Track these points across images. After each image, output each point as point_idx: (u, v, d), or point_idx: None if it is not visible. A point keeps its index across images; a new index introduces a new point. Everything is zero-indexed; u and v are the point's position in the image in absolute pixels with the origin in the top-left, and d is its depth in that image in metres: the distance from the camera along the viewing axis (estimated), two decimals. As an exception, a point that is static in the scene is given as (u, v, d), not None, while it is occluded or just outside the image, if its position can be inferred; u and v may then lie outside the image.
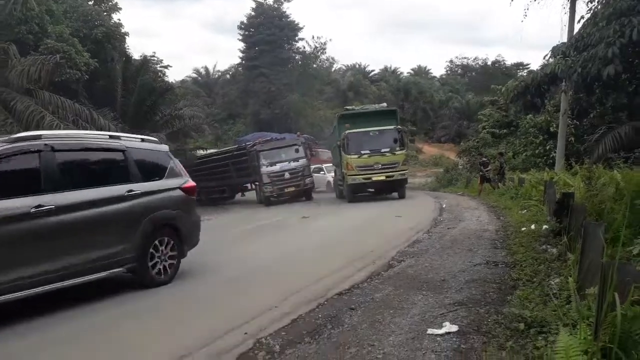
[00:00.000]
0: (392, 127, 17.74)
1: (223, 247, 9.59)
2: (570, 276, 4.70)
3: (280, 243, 9.78)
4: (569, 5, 16.91)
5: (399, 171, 17.51)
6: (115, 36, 20.89)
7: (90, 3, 22.51)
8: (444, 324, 4.26)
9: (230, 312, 5.04)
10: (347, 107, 21.71)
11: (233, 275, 6.77)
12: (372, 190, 18.85)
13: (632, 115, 12.81)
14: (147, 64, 20.77)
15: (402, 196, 18.18)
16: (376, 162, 17.38)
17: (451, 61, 64.03)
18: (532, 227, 8.77)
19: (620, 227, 5.29)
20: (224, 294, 5.94)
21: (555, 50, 14.97)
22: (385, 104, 21.74)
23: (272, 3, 44.01)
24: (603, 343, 2.72)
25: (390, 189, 18.54)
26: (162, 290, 6.06)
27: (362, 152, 17.43)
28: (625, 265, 3.12)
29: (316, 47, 46.98)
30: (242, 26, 45.65)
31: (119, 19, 24.06)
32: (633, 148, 11.81)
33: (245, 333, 4.33)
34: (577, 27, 15.76)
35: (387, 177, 17.43)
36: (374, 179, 17.42)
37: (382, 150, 17.44)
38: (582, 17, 13.15)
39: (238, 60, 48.89)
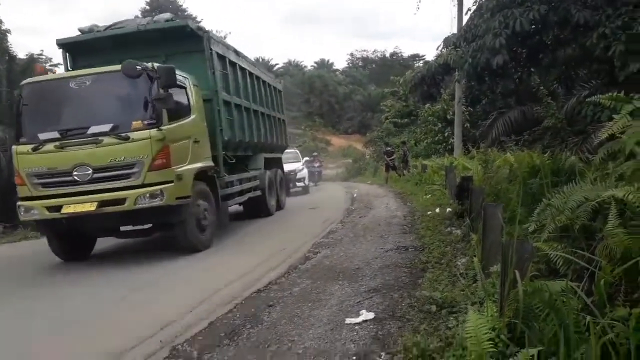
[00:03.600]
0: (136, 67, 7.18)
1: (127, 250, 9.16)
2: (475, 256, 4.96)
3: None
4: (457, -2, 17.87)
5: (148, 186, 7.17)
6: (-6, 34, 19.06)
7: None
8: (360, 312, 4.34)
9: (143, 320, 4.79)
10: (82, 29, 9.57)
11: (144, 281, 6.45)
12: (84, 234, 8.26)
13: (519, 100, 13.78)
14: (33, 63, 19.19)
15: (267, 214, 12.17)
16: (78, 162, 7.17)
17: (352, 54, 65.88)
18: (437, 210, 9.21)
19: (515, 206, 5.67)
20: (135, 301, 5.65)
21: (447, 42, 15.75)
22: (167, 14, 10.14)
23: (168, -4, 42.45)
24: (508, 319, 2.89)
25: (147, 232, 8.37)
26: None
27: (47, 136, 7.31)
28: (523, 242, 3.32)
29: (216, 41, 46.01)
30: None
31: (-3, 14, 21.95)
32: (522, 131, 12.72)
33: (160, 341, 4.14)
34: (465, 19, 16.72)
35: (101, 205, 7.02)
36: (67, 210, 7.09)
37: (93, 132, 7.20)
38: (469, 9, 13.93)
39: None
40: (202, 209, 8.14)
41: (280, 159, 14.21)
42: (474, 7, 12.14)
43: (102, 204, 7.05)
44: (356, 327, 4.03)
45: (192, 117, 8.27)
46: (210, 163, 8.76)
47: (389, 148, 20.98)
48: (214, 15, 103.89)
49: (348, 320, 4.18)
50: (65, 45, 9.45)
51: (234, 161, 10.05)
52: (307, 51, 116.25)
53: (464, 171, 10.62)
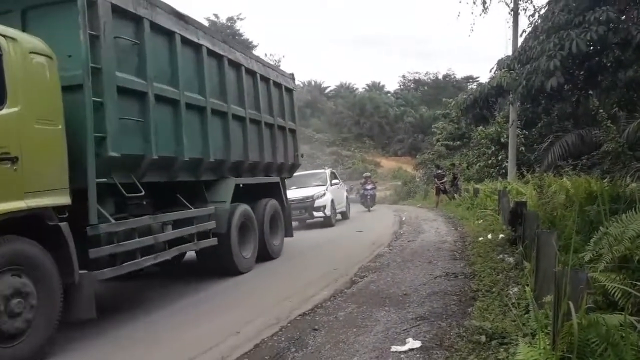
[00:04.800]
0: None
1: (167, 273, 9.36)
2: (528, 285, 4.79)
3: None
4: (512, 19, 17.62)
5: None
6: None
7: None
8: (407, 340, 4.25)
9: (189, 341, 4.88)
10: None
11: (191, 301, 6.57)
12: None
13: (577, 124, 13.35)
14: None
15: (234, 271, 8.42)
16: None
17: (404, 76, 65.36)
18: (489, 236, 8.96)
19: (571, 234, 5.45)
20: (183, 321, 5.75)
21: (500, 64, 15.46)
22: None
23: (225, 22, 43.90)
24: (561, 353, 2.77)
25: None
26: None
27: None
28: (578, 272, 3.19)
29: (270, 66, 47.12)
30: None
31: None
32: (580, 155, 12.29)
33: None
34: (520, 40, 16.42)
35: None
36: None
37: None
38: (524, 31, 13.70)
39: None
40: (11, 293, 4.22)
41: (277, 184, 10.09)
42: (529, 29, 11.92)
43: None
44: (402, 356, 3.95)
45: (6, 110, 4.42)
46: (61, 200, 4.84)
47: (439, 171, 20.67)
48: (269, 39, 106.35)
49: (394, 348, 4.10)
50: None
51: (142, 193, 6.02)
52: (359, 73, 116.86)
53: (517, 196, 10.35)
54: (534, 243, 4.85)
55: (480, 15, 19.03)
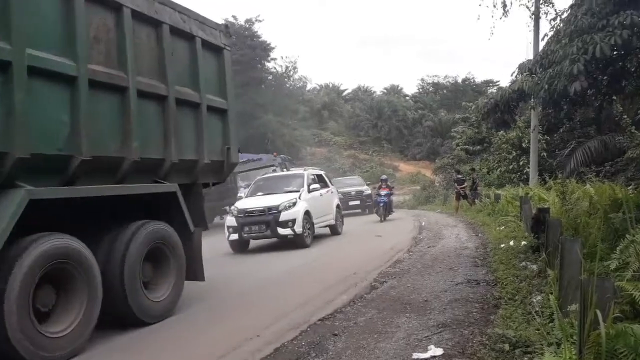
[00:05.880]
0: None
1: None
2: (552, 293, 4.73)
3: (258, 269, 9.53)
4: (533, 23, 17.42)
5: None
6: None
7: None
8: (429, 347, 4.22)
9: (209, 344, 4.92)
10: None
11: (211, 304, 6.63)
12: None
13: (600, 129, 13.15)
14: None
15: None
16: None
17: (422, 79, 65.02)
18: (511, 243, 8.86)
19: (596, 241, 5.38)
20: (201, 323, 5.80)
21: (521, 68, 15.28)
22: None
23: (243, 23, 44.18)
24: (588, 363, 2.73)
25: None
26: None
27: None
28: (604, 281, 3.15)
29: (287, 67, 47.39)
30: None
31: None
32: (603, 162, 12.10)
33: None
34: (541, 44, 16.21)
35: None
36: None
37: None
38: (546, 35, 13.53)
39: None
40: None
41: (174, 196, 6.25)
42: (551, 33, 11.79)
43: None
44: (424, 363, 3.93)
45: None
46: None
47: (459, 176, 20.48)
48: (286, 41, 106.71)
49: (415, 355, 4.08)
50: None
51: None
52: (377, 76, 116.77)
53: (540, 202, 10.21)
54: (558, 250, 4.80)
55: (500, 18, 18.81)
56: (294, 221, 11.36)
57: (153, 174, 6.14)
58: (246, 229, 11.38)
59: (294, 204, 11.61)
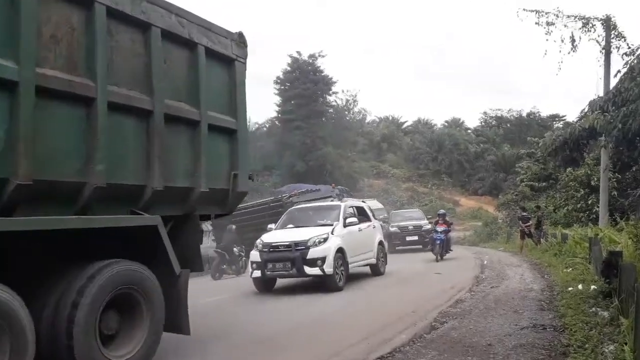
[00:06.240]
0: None
1: (252, 303, 9.57)
2: (626, 344, 4.50)
3: (316, 302, 9.40)
4: (603, 58, 16.90)
5: None
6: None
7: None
8: (493, 394, 4.10)
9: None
10: None
11: (266, 335, 6.68)
12: None
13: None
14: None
15: None
16: None
17: (485, 113, 63.88)
18: (579, 287, 8.46)
19: (675, 290, 5.07)
20: (257, 357, 5.87)
21: (592, 105, 14.86)
22: None
23: (306, 58, 45.34)
24: None
25: None
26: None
27: None
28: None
29: (347, 100, 48.17)
30: (278, 81, 47.14)
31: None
32: (681, 203, 11.42)
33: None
34: (613, 80, 15.67)
35: None
36: None
37: None
38: (619, 71, 13.09)
39: (274, 114, 50.17)
40: None
41: (154, 231, 5.07)
42: (624, 69, 11.43)
43: None
44: (488, 410, 3.82)
45: None
46: None
47: (524, 213, 19.83)
48: (347, 74, 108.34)
49: (479, 402, 3.97)
50: None
51: None
52: (438, 109, 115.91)
53: (610, 244, 9.75)
54: (633, 298, 4.57)
55: (568, 53, 18.41)
56: (323, 259, 9.96)
57: (130, 203, 5.04)
58: (270, 265, 10.16)
59: (325, 239, 10.25)
